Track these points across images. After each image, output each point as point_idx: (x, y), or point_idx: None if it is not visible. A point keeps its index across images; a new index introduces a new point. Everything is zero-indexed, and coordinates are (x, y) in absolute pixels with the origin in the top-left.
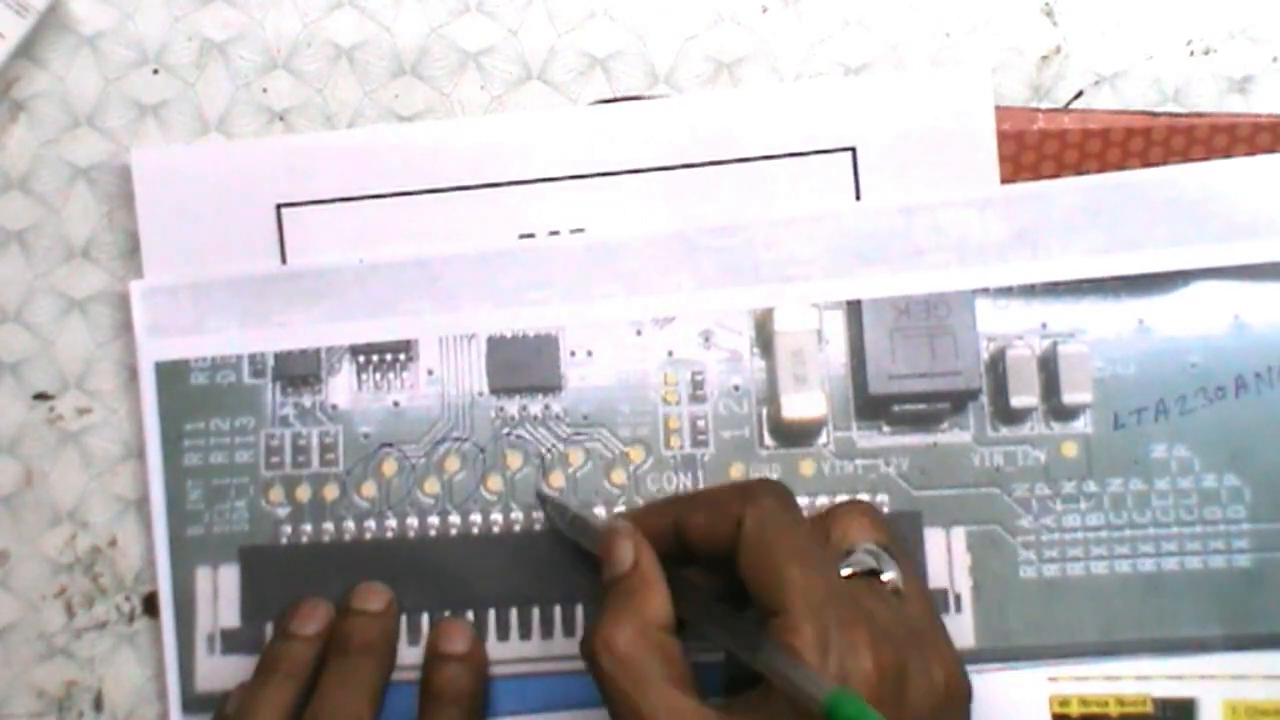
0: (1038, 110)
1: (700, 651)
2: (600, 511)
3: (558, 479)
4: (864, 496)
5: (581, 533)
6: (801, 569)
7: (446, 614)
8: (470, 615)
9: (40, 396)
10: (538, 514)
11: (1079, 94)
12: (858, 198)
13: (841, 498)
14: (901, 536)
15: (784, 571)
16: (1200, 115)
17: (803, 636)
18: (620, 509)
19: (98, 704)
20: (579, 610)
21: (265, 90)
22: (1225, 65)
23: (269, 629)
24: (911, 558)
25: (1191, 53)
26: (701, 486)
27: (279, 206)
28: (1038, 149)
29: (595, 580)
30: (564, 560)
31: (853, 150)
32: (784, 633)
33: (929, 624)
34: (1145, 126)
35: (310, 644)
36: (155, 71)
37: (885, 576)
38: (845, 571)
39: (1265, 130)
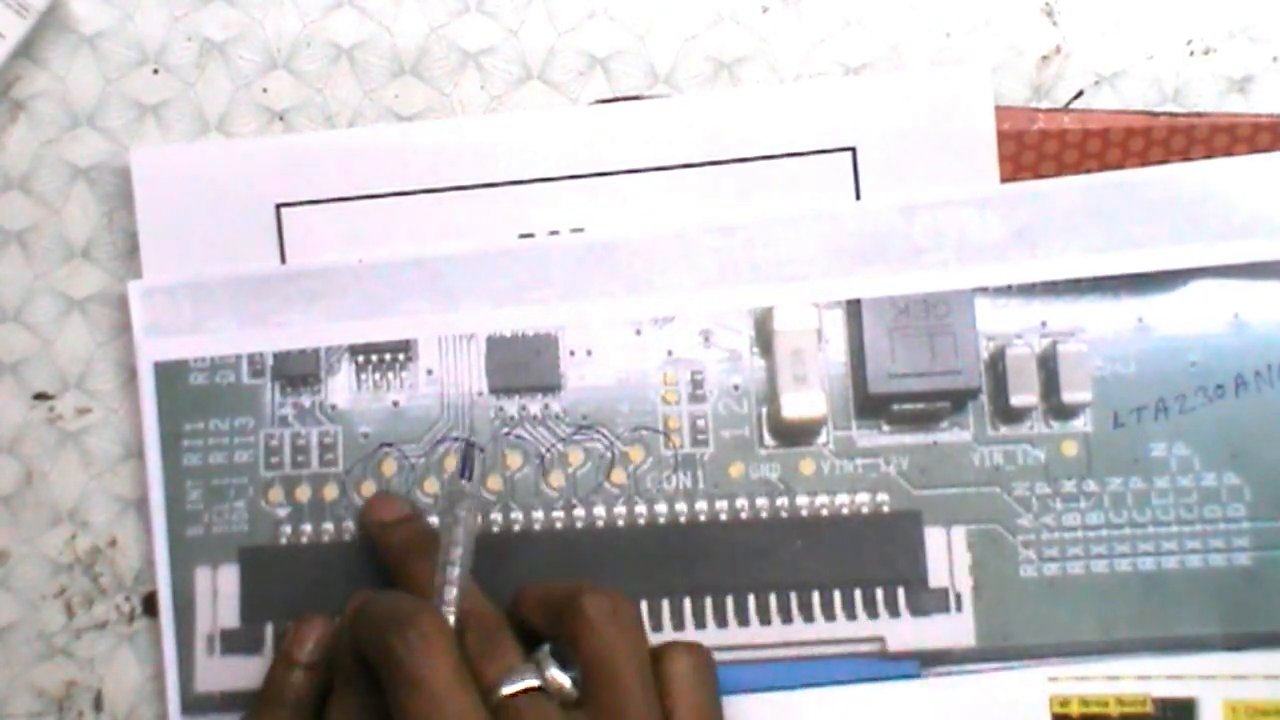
0: (1038, 110)
1: None
2: (601, 511)
3: (558, 479)
4: (864, 496)
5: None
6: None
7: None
8: None
9: (40, 396)
10: (537, 514)
11: (1079, 94)
12: (858, 198)
13: (842, 497)
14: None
15: None
16: (1200, 115)
17: None
18: (620, 510)
19: (98, 704)
20: None
21: (265, 90)
22: (1225, 65)
23: (269, 630)
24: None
25: (1191, 53)
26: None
27: (279, 206)
28: (1038, 149)
29: None
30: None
31: (853, 150)
32: None
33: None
34: (1145, 126)
35: (312, 671)
36: (155, 71)
37: (553, 680)
38: (509, 690)
39: (1265, 130)
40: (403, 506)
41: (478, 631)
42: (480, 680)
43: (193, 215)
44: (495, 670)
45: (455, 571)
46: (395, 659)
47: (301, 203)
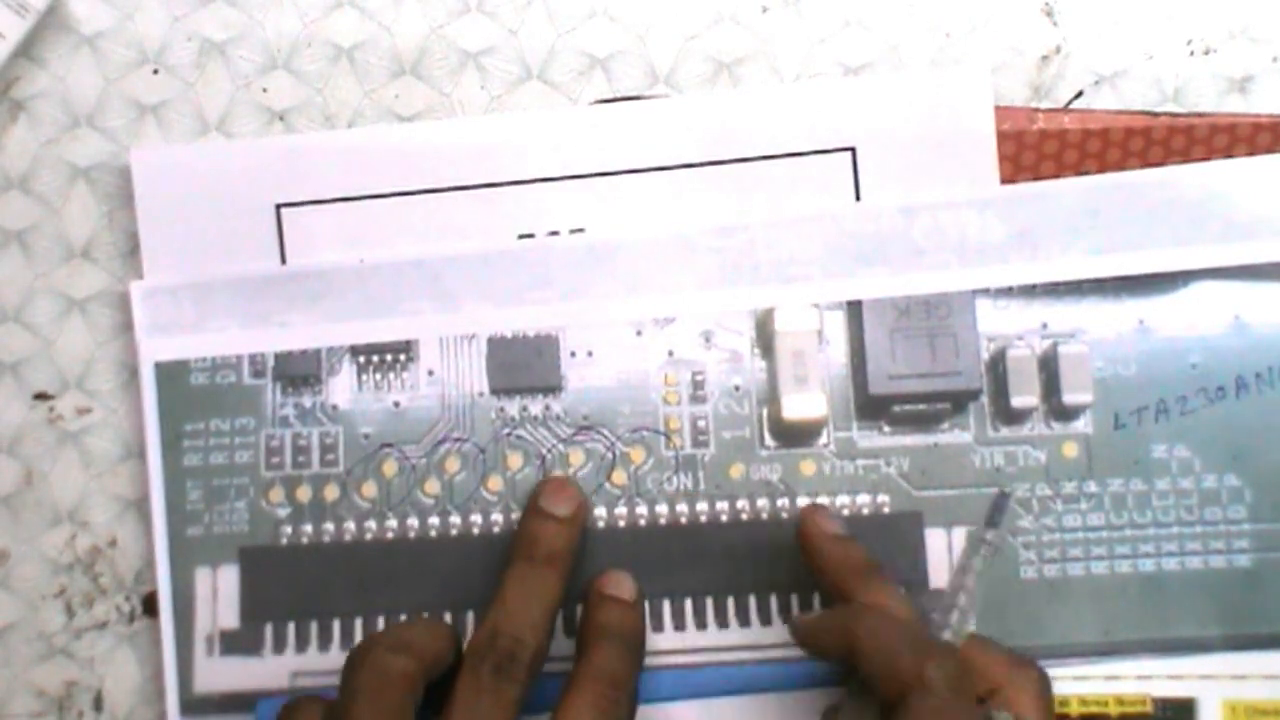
0: (1038, 110)
1: None
2: (601, 511)
3: None
4: (864, 497)
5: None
6: None
7: (446, 613)
8: (470, 616)
9: (40, 396)
10: None
11: (1079, 94)
12: (858, 198)
13: (843, 498)
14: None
15: None
16: (1200, 115)
17: None
18: (621, 510)
19: (98, 704)
20: (576, 610)
21: (265, 90)
22: (1225, 65)
23: (269, 630)
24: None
25: (1191, 53)
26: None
27: (279, 206)
28: (1038, 149)
29: None
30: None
31: (853, 150)
32: None
33: None
34: (1145, 126)
35: (569, 525)
36: (155, 71)
37: None
38: None
39: (1265, 130)
40: (841, 522)
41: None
42: None
43: (193, 215)
44: None
45: (956, 615)
46: (924, 684)
47: (301, 203)
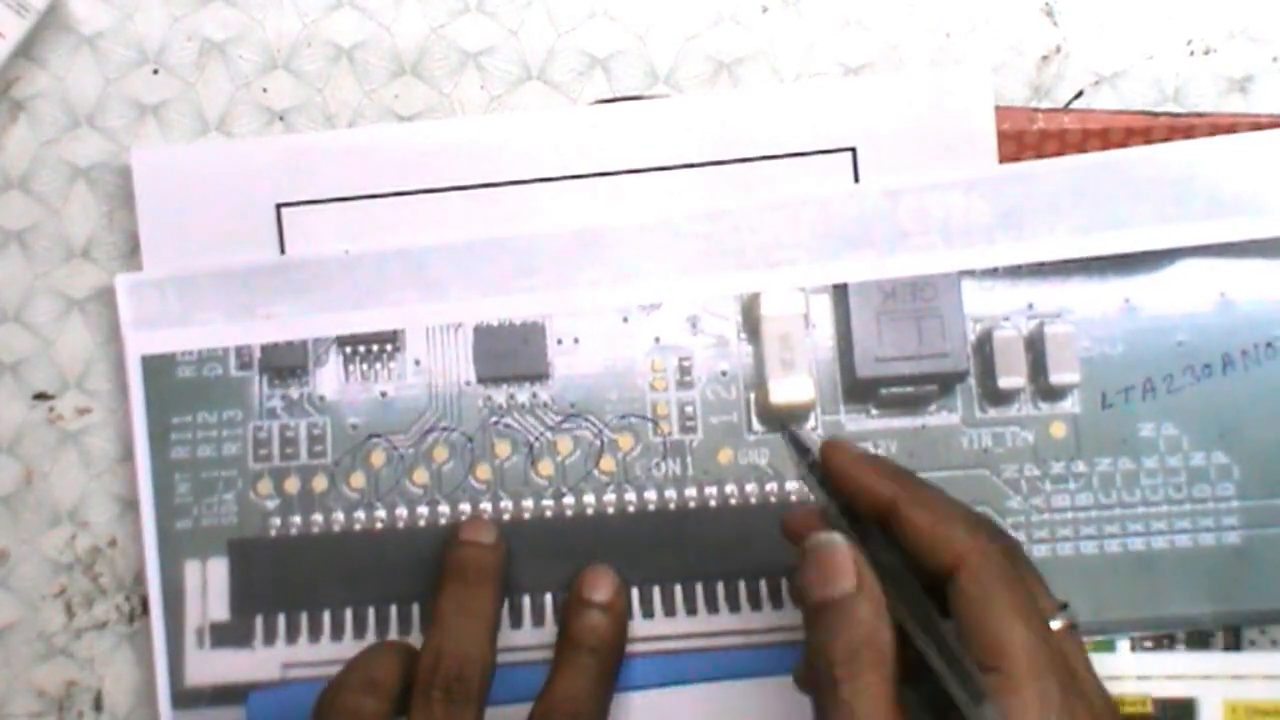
0: (1038, 110)
1: None
2: (590, 499)
3: (547, 467)
4: None
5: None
6: (1025, 630)
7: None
8: None
9: (40, 396)
10: (527, 503)
11: (1079, 94)
12: None
13: None
14: None
15: (1008, 631)
16: (1200, 115)
17: (1025, 701)
18: (610, 497)
19: (98, 704)
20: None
21: (265, 90)
22: (1225, 65)
23: (259, 622)
24: None
25: (1191, 53)
26: (911, 483)
27: (279, 206)
28: (1038, 149)
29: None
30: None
31: (853, 150)
32: (1005, 693)
33: None
34: (1145, 126)
35: (494, 552)
36: (155, 71)
37: None
38: (1056, 624)
39: (1265, 130)
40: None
41: None
42: None
43: (193, 215)
44: None
45: None
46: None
47: (302, 202)
